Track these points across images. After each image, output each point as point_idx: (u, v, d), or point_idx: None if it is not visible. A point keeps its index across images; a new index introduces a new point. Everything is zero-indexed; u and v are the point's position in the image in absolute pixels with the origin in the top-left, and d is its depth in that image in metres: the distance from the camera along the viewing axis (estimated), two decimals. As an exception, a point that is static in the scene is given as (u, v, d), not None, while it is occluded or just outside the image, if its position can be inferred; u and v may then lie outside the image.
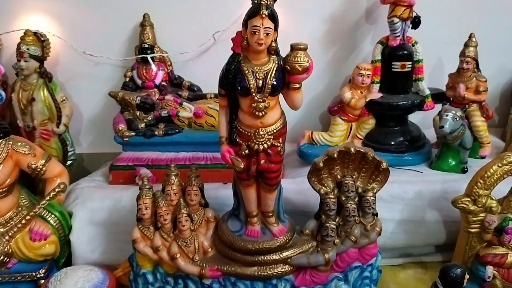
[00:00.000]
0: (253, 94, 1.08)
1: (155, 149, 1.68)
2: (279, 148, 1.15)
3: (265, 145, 1.13)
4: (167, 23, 1.76)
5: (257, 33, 1.04)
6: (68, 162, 1.78)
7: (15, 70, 1.71)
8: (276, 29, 1.07)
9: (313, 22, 1.82)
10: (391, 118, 1.70)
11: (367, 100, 1.66)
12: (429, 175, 1.60)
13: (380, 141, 1.69)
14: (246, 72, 1.08)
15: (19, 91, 1.68)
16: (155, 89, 1.74)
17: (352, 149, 1.24)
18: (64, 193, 1.46)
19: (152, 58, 1.72)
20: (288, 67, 1.07)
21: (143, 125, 1.68)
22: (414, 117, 1.81)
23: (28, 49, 1.63)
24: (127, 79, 1.76)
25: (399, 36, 1.63)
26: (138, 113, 1.70)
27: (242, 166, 1.14)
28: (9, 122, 1.72)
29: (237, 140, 1.14)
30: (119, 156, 1.69)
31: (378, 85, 1.69)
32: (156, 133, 1.66)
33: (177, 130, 1.67)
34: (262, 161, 1.14)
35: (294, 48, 1.08)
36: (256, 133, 1.12)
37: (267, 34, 1.04)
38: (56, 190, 1.40)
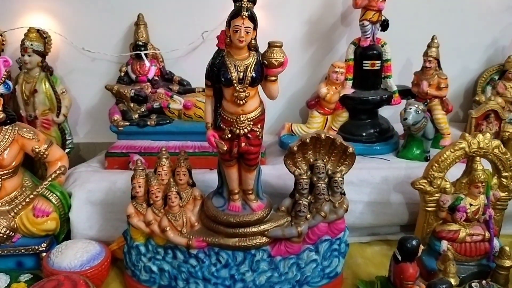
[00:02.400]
0: (235, 84, 1.23)
1: (147, 138, 1.82)
2: (258, 133, 1.30)
3: (246, 130, 1.28)
4: (160, 22, 1.91)
5: (238, 31, 1.20)
6: (66, 150, 1.90)
7: (19, 64, 1.84)
8: (255, 28, 1.22)
9: (293, 24, 1.99)
10: (362, 111, 1.87)
11: (341, 95, 1.83)
12: (395, 163, 1.77)
13: (353, 132, 1.85)
14: (229, 65, 1.23)
15: (22, 83, 1.81)
16: (148, 83, 1.88)
17: (323, 135, 1.40)
18: (64, 175, 1.60)
19: (145, 54, 1.86)
20: (266, 62, 1.23)
21: (136, 115, 1.82)
22: (385, 112, 1.98)
23: (31, 44, 1.77)
24: (122, 74, 1.90)
25: (369, 37, 1.81)
26: (132, 104, 1.83)
27: (225, 149, 1.30)
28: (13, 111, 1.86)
29: (221, 125, 1.28)
30: (114, 144, 1.83)
31: (351, 81, 1.86)
32: (148, 123, 1.79)
33: (168, 121, 1.81)
34: (243, 144, 1.29)
35: (271, 45, 1.24)
36: (238, 119, 1.27)
37: (247, 32, 1.20)
38: (57, 172, 1.54)
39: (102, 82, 1.97)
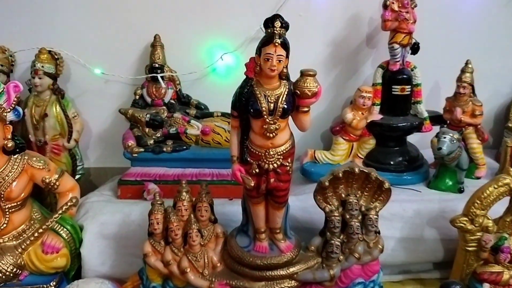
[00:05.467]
0: (265, 116, 1.14)
1: (163, 165, 1.73)
2: (288, 167, 1.21)
3: (275, 165, 1.19)
4: (177, 44, 1.82)
5: (270, 60, 1.11)
6: (77, 176, 1.82)
7: (28, 86, 1.76)
8: (287, 56, 1.14)
9: (316, 45, 1.90)
10: (390, 138, 1.77)
11: (368, 121, 1.73)
12: (427, 194, 1.66)
13: (380, 160, 1.75)
14: (259, 95, 1.14)
15: (32, 106, 1.72)
16: (164, 107, 1.79)
17: (356, 169, 1.30)
18: (75, 207, 1.50)
19: (162, 77, 1.78)
20: (298, 92, 1.14)
21: (151, 141, 1.73)
22: (412, 138, 1.88)
23: (42, 66, 1.68)
24: (137, 97, 1.80)
25: (399, 61, 1.71)
26: (147, 129, 1.75)
27: (252, 184, 1.20)
28: (20, 136, 1.76)
29: (248, 159, 1.19)
30: (128, 171, 1.74)
31: (379, 107, 1.76)
32: (164, 149, 1.71)
33: (184, 147, 1.73)
34: (272, 180, 1.19)
35: (304, 74, 1.15)
36: (267, 153, 1.18)
37: (279, 61, 1.11)
38: (68, 204, 1.44)
39: (115, 105, 1.89)
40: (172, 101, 1.81)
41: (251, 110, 1.15)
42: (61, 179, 1.49)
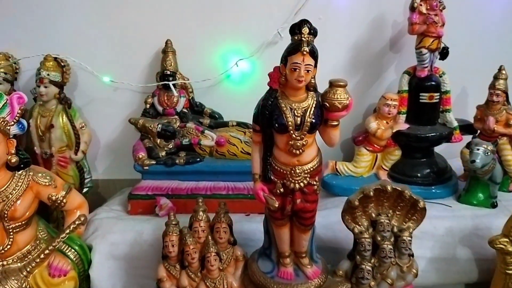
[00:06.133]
0: (291, 131, 1.05)
1: (175, 178, 1.64)
2: (315, 187, 1.11)
3: (301, 184, 1.09)
4: (189, 49, 1.72)
5: (297, 70, 1.01)
6: (85, 190, 1.73)
7: (33, 95, 1.67)
8: (316, 65, 1.04)
9: (336, 49, 1.79)
10: (417, 149, 1.66)
11: (394, 130, 1.63)
12: (458, 210, 1.55)
13: (406, 173, 1.65)
14: (284, 109, 1.05)
15: (37, 117, 1.63)
16: (176, 116, 1.70)
17: (389, 187, 1.20)
18: (84, 225, 1.40)
19: (174, 85, 1.68)
20: (327, 104, 1.04)
21: (163, 153, 1.64)
22: (438, 147, 1.77)
23: (48, 74, 1.59)
24: (148, 106, 1.71)
25: (427, 67, 1.61)
26: (158, 140, 1.66)
27: (276, 205, 1.10)
28: (25, 148, 1.67)
29: (272, 178, 1.10)
30: (138, 184, 1.64)
31: (405, 115, 1.66)
32: (176, 161, 1.61)
33: (198, 159, 1.63)
34: (298, 201, 1.10)
35: (333, 84, 1.05)
36: (292, 171, 1.08)
37: (308, 71, 1.02)
38: (76, 223, 1.34)
39: (124, 114, 1.81)
40: (185, 110, 1.71)
41: (276, 125, 1.05)
42: (69, 196, 1.39)
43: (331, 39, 1.76)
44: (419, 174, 1.65)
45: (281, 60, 1.05)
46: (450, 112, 1.66)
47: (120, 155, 1.85)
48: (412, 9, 1.56)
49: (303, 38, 1.01)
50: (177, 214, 1.34)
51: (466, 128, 1.69)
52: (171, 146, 1.65)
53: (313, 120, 1.05)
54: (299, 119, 1.05)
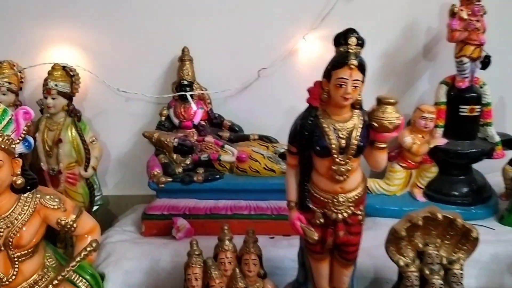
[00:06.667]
0: (335, 155, 0.92)
1: (193, 196, 1.54)
2: (360, 217, 0.99)
3: (345, 214, 0.97)
4: (208, 57, 1.61)
5: (343, 86, 0.89)
6: (95, 208, 1.61)
7: (40, 107, 1.55)
8: (363, 80, 0.92)
9: (365, 57, 1.66)
10: (456, 166, 1.54)
11: (431, 146, 1.50)
12: (503, 233, 1.43)
13: (443, 191, 1.53)
14: (327, 129, 0.93)
15: (44, 130, 1.51)
16: (194, 130, 1.58)
17: (439, 215, 1.07)
18: (96, 252, 1.28)
19: (191, 95, 1.56)
20: (376, 124, 0.92)
21: (180, 169, 1.53)
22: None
23: (56, 85, 1.47)
24: (163, 118, 1.60)
25: (467, 77, 1.48)
26: (175, 156, 1.55)
27: (316, 238, 0.98)
28: (30, 164, 1.55)
29: (310, 206, 0.98)
30: (153, 203, 1.53)
31: (442, 129, 1.53)
32: (194, 178, 1.50)
33: (217, 176, 1.52)
34: (341, 233, 0.97)
35: (382, 101, 0.94)
36: (335, 200, 0.96)
37: (355, 87, 0.90)
38: (88, 249, 1.21)
39: (137, 126, 1.70)
40: (203, 123, 1.59)
41: (317, 148, 0.93)
42: (79, 220, 1.26)
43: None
44: (457, 193, 1.53)
45: (324, 74, 0.93)
46: (491, 125, 1.54)
47: (132, 170, 1.74)
48: (452, 14, 1.44)
49: (350, 50, 0.90)
50: (195, 236, 1.23)
51: (508, 143, 1.56)
52: (188, 162, 1.54)
53: (361, 143, 0.92)
54: (343, 141, 0.93)
